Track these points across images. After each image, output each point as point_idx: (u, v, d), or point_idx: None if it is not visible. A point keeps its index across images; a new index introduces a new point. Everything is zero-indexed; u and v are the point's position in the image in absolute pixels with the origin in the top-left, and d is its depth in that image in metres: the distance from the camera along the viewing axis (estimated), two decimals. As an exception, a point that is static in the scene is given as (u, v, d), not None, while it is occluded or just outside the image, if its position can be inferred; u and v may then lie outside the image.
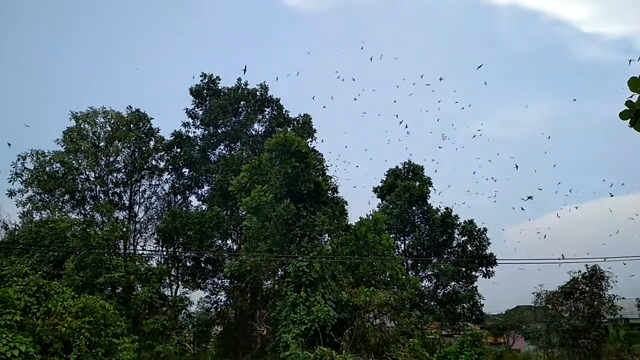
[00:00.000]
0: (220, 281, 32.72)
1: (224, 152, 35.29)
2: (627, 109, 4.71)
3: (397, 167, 40.30)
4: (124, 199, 33.50)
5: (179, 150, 34.67)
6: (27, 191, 29.47)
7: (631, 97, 4.67)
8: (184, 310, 30.24)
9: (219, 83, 35.77)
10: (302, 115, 35.56)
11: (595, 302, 25.81)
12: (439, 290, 36.61)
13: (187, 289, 31.74)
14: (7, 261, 22.73)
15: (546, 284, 28.49)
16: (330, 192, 28.02)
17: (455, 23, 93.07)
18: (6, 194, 29.23)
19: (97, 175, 31.67)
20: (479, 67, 33.81)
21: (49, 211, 29.56)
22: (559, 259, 23.85)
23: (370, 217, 28.62)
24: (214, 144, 35.29)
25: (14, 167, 29.38)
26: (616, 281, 26.06)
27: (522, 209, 31.49)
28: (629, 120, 4.78)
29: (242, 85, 35.74)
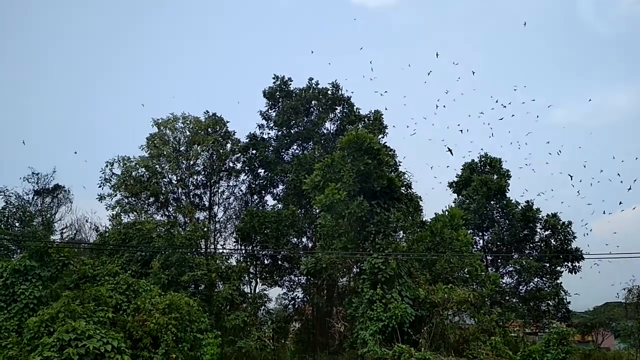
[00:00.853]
0: (297, 278, 33.25)
1: (297, 151, 35.84)
2: None
3: (472, 160, 39.13)
4: (204, 200, 34.86)
5: (254, 151, 35.58)
6: (115, 195, 31.39)
7: None
8: (263, 307, 31.04)
9: (290, 84, 36.36)
10: (372, 111, 35.40)
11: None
12: (521, 287, 35.24)
13: (266, 286, 32.49)
14: (99, 261, 24.21)
15: (638, 279, 26.74)
16: (404, 188, 27.70)
17: (534, 7, 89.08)
18: (97, 199, 31.32)
19: (178, 178, 33.18)
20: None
21: (135, 213, 31.28)
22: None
23: (446, 212, 28.04)
24: (287, 144, 35.91)
25: (103, 173, 31.41)
26: None
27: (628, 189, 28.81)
28: None
29: (313, 85, 36.11)
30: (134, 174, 31.59)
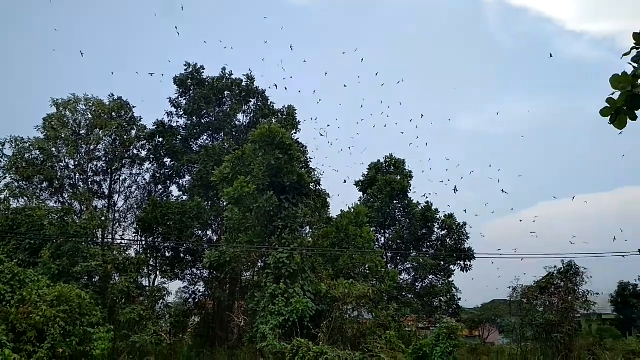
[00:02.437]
0: (199, 272, 32.54)
1: (207, 142, 35.02)
2: (608, 106, 4.78)
3: (378, 160, 40.46)
4: (104, 187, 33.12)
5: (161, 139, 34.34)
6: (4, 178, 28.96)
7: (612, 94, 4.73)
8: (161, 301, 30.02)
9: (203, 72, 35.42)
10: (286, 107, 35.42)
11: (570, 297, 26.20)
12: (417, 284, 36.97)
13: (166, 279, 31.50)
14: (-19, 248, 22.30)
15: (523, 279, 28.86)
16: (313, 184, 28.04)
17: (444, 18, 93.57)
18: (-18, 181, 28.69)
19: (76, 163, 31.23)
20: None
21: (26, 199, 29.07)
22: (535, 254, 24.29)
23: (352, 209, 28.75)
24: (197, 134, 35.02)
25: (-9, 154, 28.83)
26: (591, 277, 26.50)
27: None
28: (609, 117, 4.85)
29: (227, 75, 35.46)
30: (27, 156, 29.30)
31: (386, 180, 37.85)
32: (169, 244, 31.06)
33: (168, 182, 35.35)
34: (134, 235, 32.44)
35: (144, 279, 30.27)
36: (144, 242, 31.53)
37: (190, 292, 32.91)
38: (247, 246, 24.16)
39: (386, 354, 21.96)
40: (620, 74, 4.57)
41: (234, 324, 27.41)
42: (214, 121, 34.63)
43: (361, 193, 40.28)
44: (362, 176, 40.55)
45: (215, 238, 33.49)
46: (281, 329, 21.76)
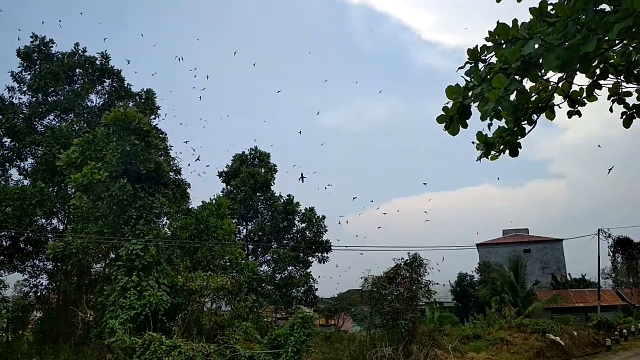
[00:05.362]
0: (41, 263, 29.78)
1: (53, 123, 31.98)
2: (444, 113, 5.21)
3: (243, 152, 40.31)
4: None
5: (0, 117, 30.72)
6: None
7: (447, 103, 5.16)
8: (-4, 295, 27.09)
9: (52, 47, 32.25)
10: (144, 90, 33.62)
11: (414, 287, 28.22)
12: (276, 275, 37.52)
13: (2, 271, 28.37)
14: None
15: (374, 270, 30.50)
16: (172, 173, 27.04)
17: (311, 16, 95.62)
18: None
19: None
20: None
21: None
22: (386, 246, 25.88)
23: (214, 201, 28.29)
24: (42, 113, 31.75)
25: None
26: (432, 268, 28.79)
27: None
28: (444, 124, 5.29)
29: (80, 51, 32.72)
30: None
31: (250, 173, 37.84)
32: (5, 232, 27.97)
33: (7, 164, 31.66)
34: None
35: (-25, 271, 27.04)
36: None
37: (31, 285, 30.00)
38: (97, 237, 22.61)
39: (242, 344, 21.99)
40: (454, 86, 5.00)
41: (78, 319, 25.54)
42: (62, 100, 31.67)
43: (224, 184, 39.87)
44: (226, 167, 40.13)
45: (61, 227, 30.84)
46: (132, 324, 20.75)
